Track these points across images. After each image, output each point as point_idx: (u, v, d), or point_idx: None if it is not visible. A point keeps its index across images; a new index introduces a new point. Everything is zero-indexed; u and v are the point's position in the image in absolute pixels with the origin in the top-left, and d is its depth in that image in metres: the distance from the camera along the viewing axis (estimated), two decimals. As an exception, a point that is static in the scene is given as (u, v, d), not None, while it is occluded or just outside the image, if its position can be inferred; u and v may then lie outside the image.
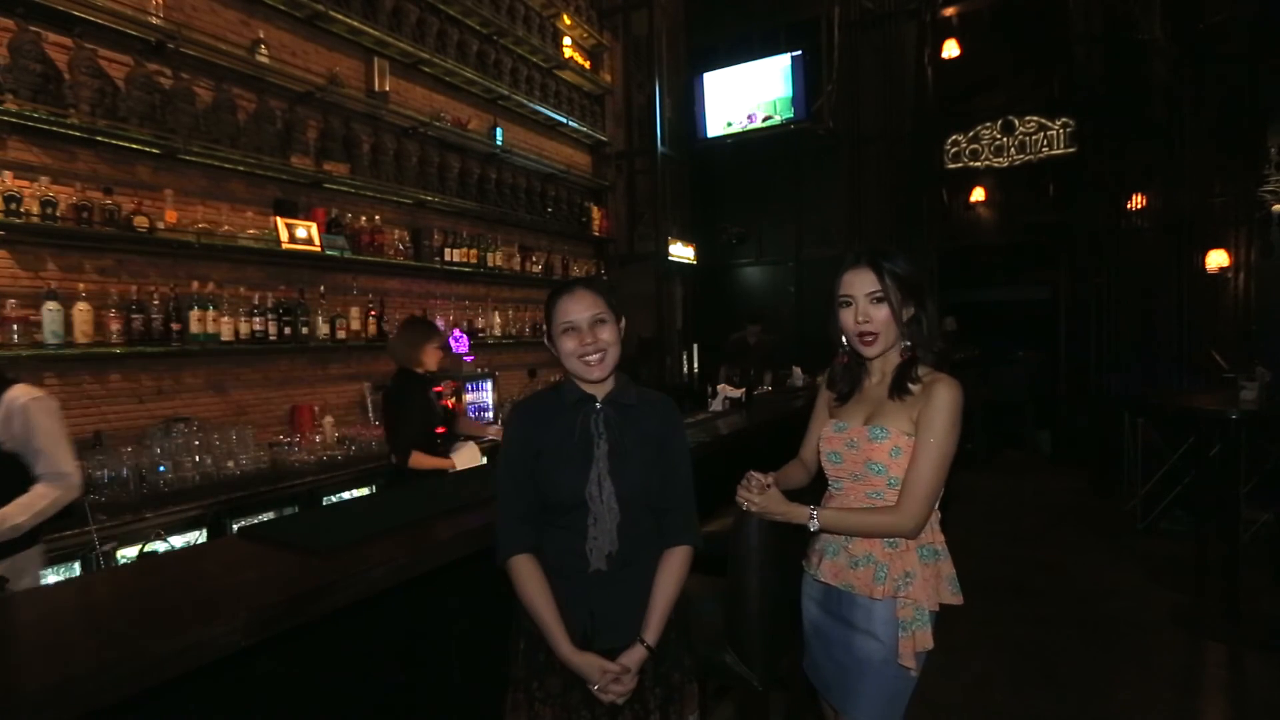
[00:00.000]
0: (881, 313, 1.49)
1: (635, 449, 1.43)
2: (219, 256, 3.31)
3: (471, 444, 3.18)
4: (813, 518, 1.49)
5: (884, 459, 1.48)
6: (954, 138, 7.47)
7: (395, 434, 2.95)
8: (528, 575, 1.39)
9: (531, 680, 1.42)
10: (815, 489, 1.71)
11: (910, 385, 1.50)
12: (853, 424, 1.56)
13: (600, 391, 1.47)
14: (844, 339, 1.57)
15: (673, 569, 1.45)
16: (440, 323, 4.55)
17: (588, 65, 6.18)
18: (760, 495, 1.52)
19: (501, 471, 1.46)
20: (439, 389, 3.10)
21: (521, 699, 1.42)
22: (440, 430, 3.05)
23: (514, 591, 1.42)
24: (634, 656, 1.38)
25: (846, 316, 1.53)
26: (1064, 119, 6.93)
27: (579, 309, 1.43)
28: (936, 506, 1.49)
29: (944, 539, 1.53)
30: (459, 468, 2.99)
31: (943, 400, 1.45)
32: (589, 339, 1.42)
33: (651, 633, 1.40)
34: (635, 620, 1.41)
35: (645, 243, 6.79)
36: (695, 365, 7.41)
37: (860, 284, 1.50)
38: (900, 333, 1.51)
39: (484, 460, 3.16)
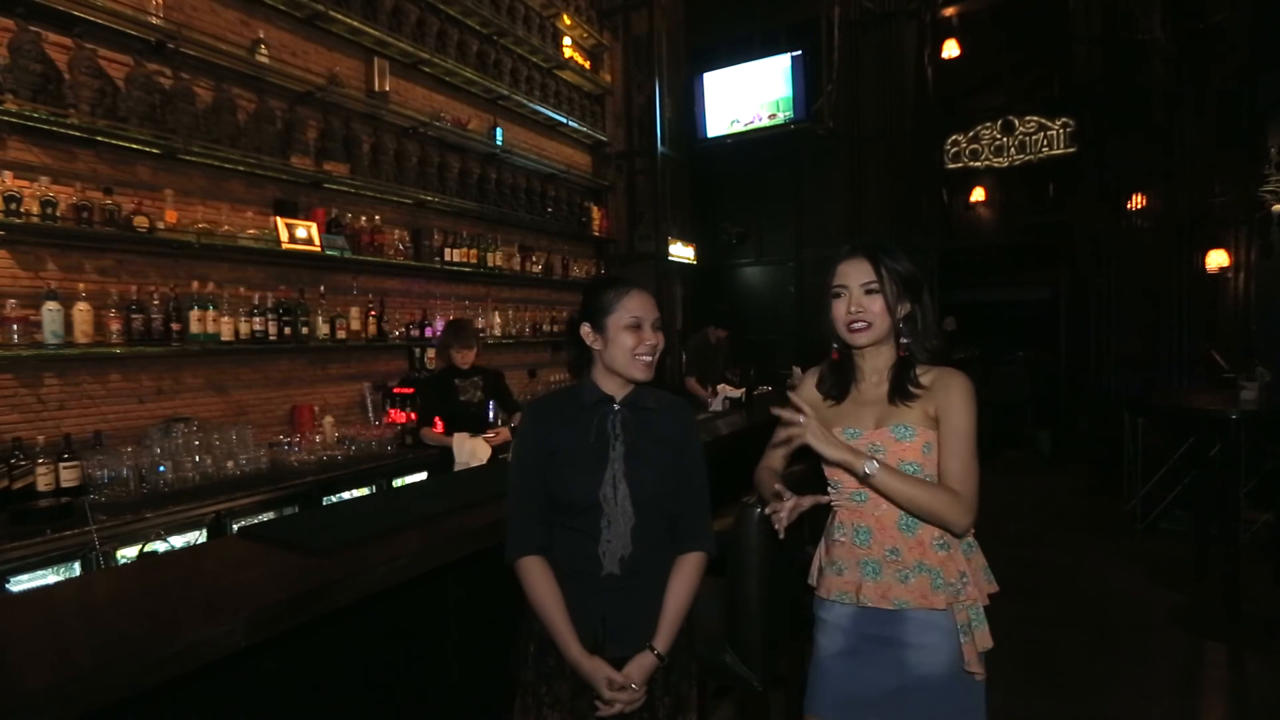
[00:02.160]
0: (876, 304, 1.42)
1: (651, 452, 1.41)
2: (219, 256, 3.31)
3: (479, 441, 3.26)
4: (871, 462, 1.31)
5: (917, 457, 1.39)
6: (954, 138, 7.48)
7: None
8: (537, 576, 1.37)
9: (540, 685, 1.40)
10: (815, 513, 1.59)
11: (912, 387, 1.43)
12: (865, 428, 1.45)
13: (620, 394, 1.45)
14: (836, 332, 1.49)
15: (686, 576, 1.42)
16: (440, 323, 4.55)
17: (588, 65, 6.18)
18: (809, 423, 1.32)
19: (514, 471, 1.44)
20: (466, 382, 3.47)
21: (530, 703, 1.41)
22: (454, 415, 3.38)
23: (522, 592, 1.40)
24: (642, 665, 1.36)
25: (839, 307, 1.46)
26: (1064, 119, 6.94)
27: (647, 308, 1.43)
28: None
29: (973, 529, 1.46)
30: (456, 454, 3.19)
31: (960, 390, 1.40)
32: (650, 339, 1.42)
33: (662, 640, 1.38)
34: (647, 627, 1.38)
35: (645, 243, 6.78)
36: (695, 365, 7.40)
37: (855, 274, 1.44)
38: (894, 329, 1.45)
39: (484, 458, 3.22)
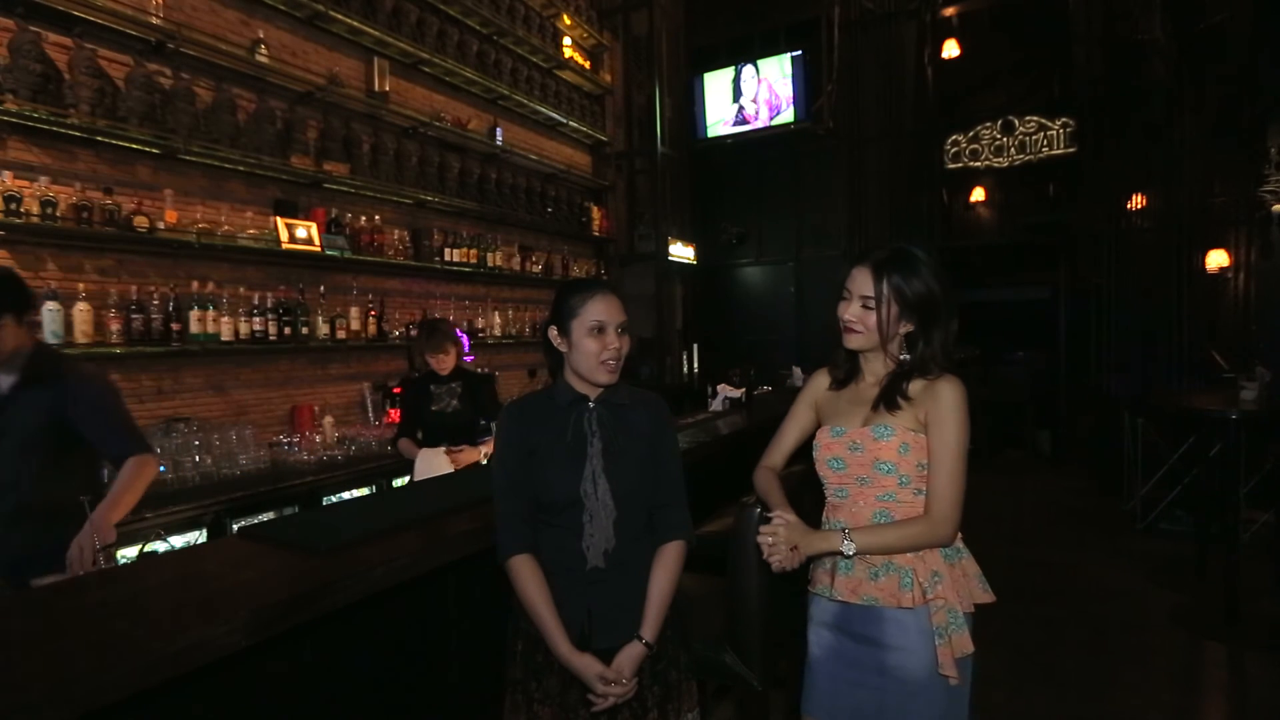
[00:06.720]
0: (870, 319, 1.46)
1: (628, 447, 1.45)
2: (219, 256, 3.31)
3: (444, 461, 3.01)
4: (847, 540, 1.39)
5: (893, 456, 1.43)
6: (954, 138, 7.47)
7: None
8: (527, 575, 1.39)
9: (530, 681, 1.42)
10: (810, 504, 1.64)
11: (900, 399, 1.45)
12: (851, 426, 1.50)
13: (594, 392, 1.48)
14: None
15: (668, 565, 1.45)
16: (440, 323, 4.54)
17: (588, 65, 6.18)
18: (785, 531, 1.42)
19: (498, 472, 1.46)
20: (442, 389, 3.16)
21: (520, 700, 1.43)
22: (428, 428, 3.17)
23: (513, 591, 1.42)
24: (631, 655, 1.38)
25: (841, 308, 1.52)
26: (1064, 119, 6.93)
27: (612, 313, 1.44)
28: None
29: (961, 536, 1.48)
30: (416, 472, 2.98)
31: (950, 399, 1.41)
32: (614, 344, 1.43)
33: (649, 629, 1.40)
34: (633, 617, 1.41)
35: (645, 243, 6.79)
36: (695, 365, 7.41)
37: (860, 283, 1.48)
38: (888, 341, 1.48)
39: (447, 469, 2.96)
